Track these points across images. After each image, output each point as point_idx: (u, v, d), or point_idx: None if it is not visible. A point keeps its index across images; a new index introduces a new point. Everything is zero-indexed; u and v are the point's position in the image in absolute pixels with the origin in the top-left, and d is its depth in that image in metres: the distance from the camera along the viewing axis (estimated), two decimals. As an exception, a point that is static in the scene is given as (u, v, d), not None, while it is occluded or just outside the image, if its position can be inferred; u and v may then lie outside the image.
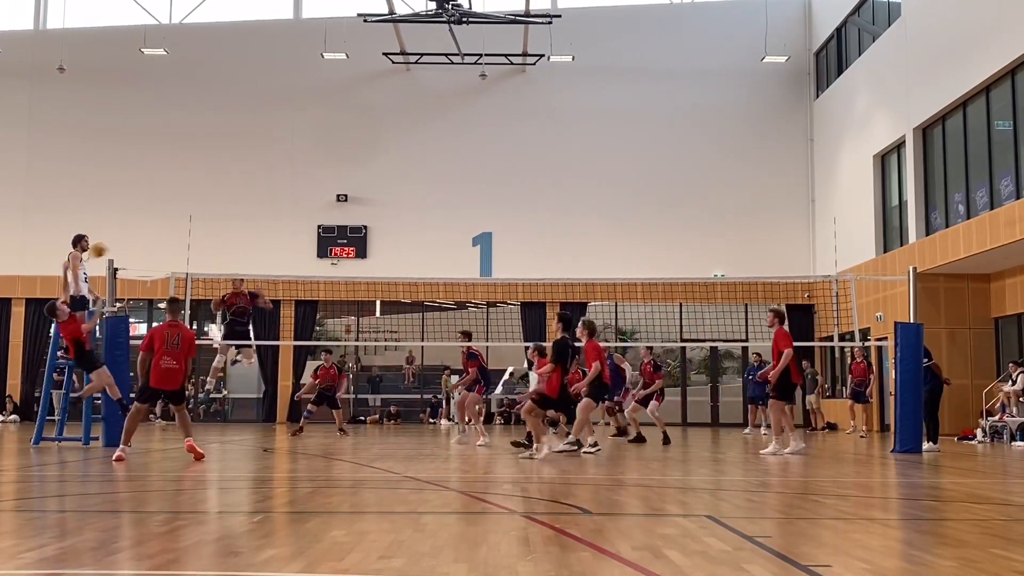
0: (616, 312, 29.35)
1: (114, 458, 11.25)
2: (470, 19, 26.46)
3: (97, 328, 15.21)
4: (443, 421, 27.53)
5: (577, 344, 13.95)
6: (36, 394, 26.72)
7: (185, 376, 12.06)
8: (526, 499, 7.71)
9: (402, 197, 29.51)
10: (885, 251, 24.76)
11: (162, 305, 29.51)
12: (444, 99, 30.18)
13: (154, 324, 30.75)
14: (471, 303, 30.34)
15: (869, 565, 4.79)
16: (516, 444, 14.34)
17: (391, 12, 27.37)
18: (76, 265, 14.60)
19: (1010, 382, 19.01)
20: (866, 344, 21.83)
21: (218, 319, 17.99)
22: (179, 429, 12.17)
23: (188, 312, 18.37)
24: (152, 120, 29.88)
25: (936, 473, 11.14)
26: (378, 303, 31.23)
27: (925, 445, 15.05)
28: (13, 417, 27.25)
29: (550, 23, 27.39)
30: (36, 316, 28.69)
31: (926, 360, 15.29)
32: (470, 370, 16.68)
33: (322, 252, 29.38)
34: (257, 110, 30.07)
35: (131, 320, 19.56)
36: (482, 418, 17.56)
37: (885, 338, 21.34)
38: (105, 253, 15.09)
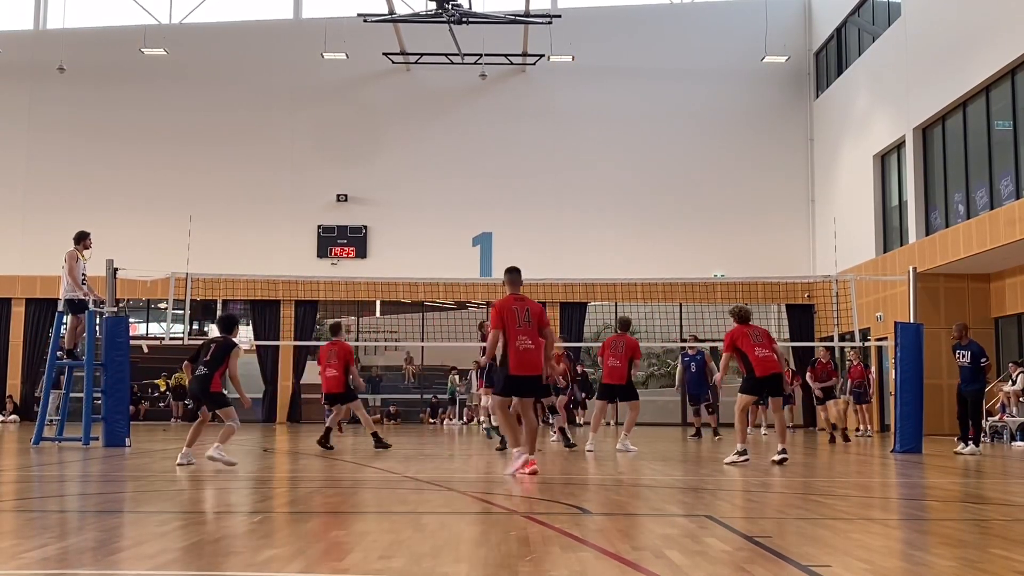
0: (616, 312, 29.30)
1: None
2: (470, 19, 26.46)
3: (97, 328, 15.22)
4: (449, 421, 27.53)
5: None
6: (36, 394, 26.73)
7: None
8: (526, 499, 7.70)
9: (402, 197, 29.51)
10: (885, 251, 24.76)
11: (162, 305, 29.54)
12: (444, 99, 30.18)
13: (151, 324, 30.80)
14: (471, 303, 30.34)
15: (869, 565, 4.79)
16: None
17: (391, 12, 27.37)
18: (73, 266, 14.50)
19: (1010, 382, 19.01)
20: (866, 344, 21.82)
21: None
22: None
23: (188, 312, 18.40)
24: (152, 120, 29.89)
25: (936, 473, 11.14)
26: (378, 303, 31.25)
27: (968, 447, 14.54)
28: (13, 417, 27.26)
29: (550, 23, 27.39)
30: (36, 316, 28.72)
31: (983, 360, 14.89)
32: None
33: (322, 252, 29.39)
34: (257, 110, 30.07)
35: (131, 320, 19.55)
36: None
37: (885, 338, 21.36)
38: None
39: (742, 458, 11.30)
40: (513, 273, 10.11)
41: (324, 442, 14.09)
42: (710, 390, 18.92)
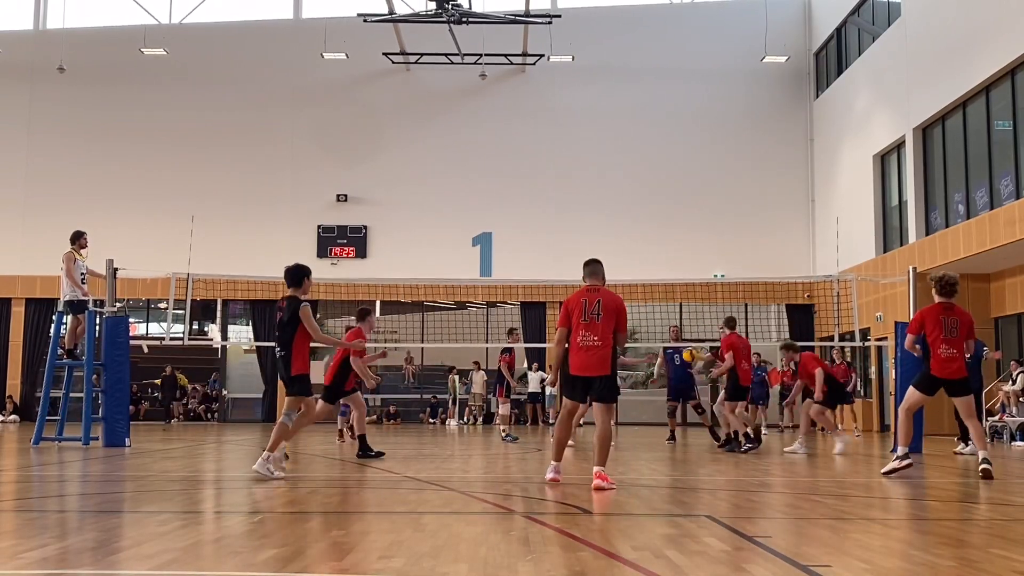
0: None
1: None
2: (470, 19, 26.46)
3: (97, 328, 15.23)
4: (452, 422, 27.53)
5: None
6: (36, 394, 26.73)
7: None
8: (526, 499, 7.70)
9: (402, 197, 29.52)
10: (885, 251, 24.76)
11: (162, 305, 29.53)
12: (444, 99, 30.19)
13: (151, 324, 30.79)
14: (471, 303, 30.34)
15: (869, 565, 4.79)
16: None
17: (391, 12, 27.37)
18: (70, 267, 14.47)
19: (1010, 382, 19.01)
20: (866, 344, 21.82)
21: None
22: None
23: (188, 312, 18.39)
24: (152, 120, 29.89)
25: (936, 473, 11.14)
26: (378, 303, 31.22)
27: (968, 447, 14.28)
28: (13, 417, 27.26)
29: (550, 23, 27.40)
30: (36, 316, 28.73)
31: (985, 351, 14.92)
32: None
33: (322, 252, 29.39)
34: (257, 110, 30.08)
35: (131, 320, 19.55)
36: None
37: (885, 338, 21.34)
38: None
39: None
40: (588, 264, 8.86)
41: (366, 450, 12.47)
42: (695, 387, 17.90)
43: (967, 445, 14.58)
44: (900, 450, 10.10)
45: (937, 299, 10.24)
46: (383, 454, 12.49)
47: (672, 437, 17.44)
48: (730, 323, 14.97)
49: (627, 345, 15.67)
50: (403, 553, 4.97)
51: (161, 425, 26.20)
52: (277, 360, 9.51)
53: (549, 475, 8.71)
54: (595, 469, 8.32)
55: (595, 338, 8.38)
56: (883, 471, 10.15)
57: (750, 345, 15.60)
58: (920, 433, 15.13)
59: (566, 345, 8.62)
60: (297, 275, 9.52)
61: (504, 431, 17.59)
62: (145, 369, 29.42)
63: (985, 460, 9.71)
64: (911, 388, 10.43)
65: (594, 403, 8.49)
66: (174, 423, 27.76)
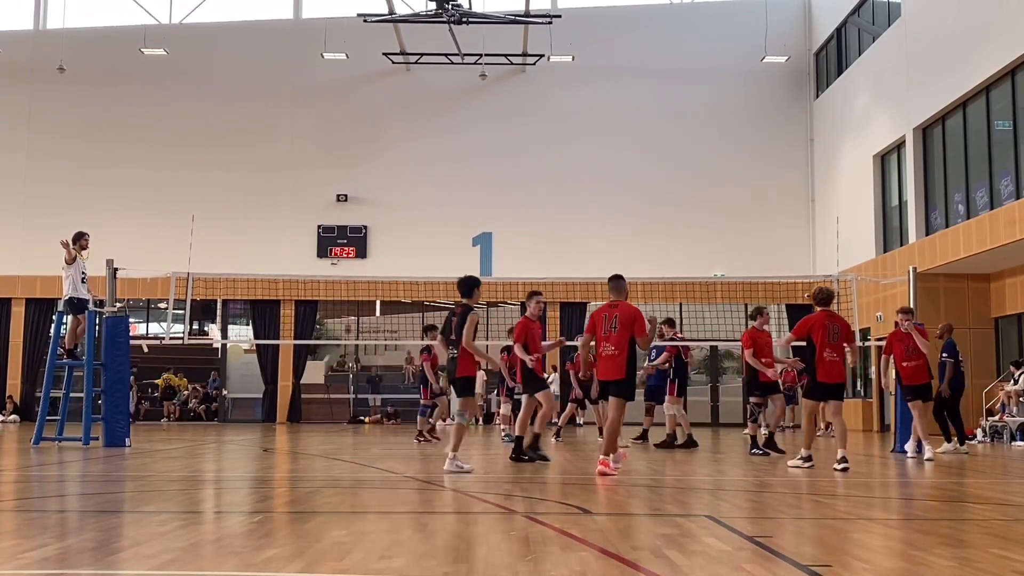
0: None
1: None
2: (470, 19, 26.45)
3: (97, 328, 15.23)
4: (450, 421, 27.53)
5: None
6: (36, 394, 26.73)
7: None
8: (526, 499, 7.70)
9: (402, 197, 29.52)
10: (885, 251, 24.76)
11: (162, 305, 29.53)
12: (444, 99, 30.18)
13: (151, 324, 30.80)
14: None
15: (869, 565, 4.79)
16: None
17: (391, 12, 27.37)
18: (69, 252, 14.44)
19: (1011, 381, 19.01)
20: (866, 344, 21.81)
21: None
22: None
23: (188, 312, 18.40)
24: (152, 120, 29.89)
25: (936, 473, 11.14)
26: (378, 303, 31.24)
27: (951, 445, 14.51)
28: (13, 417, 27.26)
29: (550, 23, 27.39)
30: (36, 316, 28.73)
31: (953, 358, 14.94)
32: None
33: (322, 252, 29.39)
34: (257, 110, 30.08)
35: (131, 320, 19.56)
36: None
37: (885, 338, 21.31)
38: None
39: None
40: (610, 280, 10.22)
41: (531, 450, 11.61)
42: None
43: (949, 443, 14.69)
44: (804, 452, 11.10)
45: (818, 309, 11.26)
46: (547, 458, 11.63)
47: (643, 437, 16.80)
48: (757, 313, 14.50)
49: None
50: (403, 553, 4.98)
51: (156, 425, 26.23)
52: (448, 361, 10.27)
53: (614, 464, 9.66)
54: (600, 456, 9.59)
55: (612, 347, 9.74)
56: (789, 463, 11.20)
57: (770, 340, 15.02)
58: (961, 431, 15.19)
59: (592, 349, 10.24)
60: (468, 286, 10.33)
61: (504, 431, 17.58)
62: (145, 369, 29.46)
63: (844, 459, 10.67)
64: (804, 399, 11.56)
65: (609, 398, 9.85)
66: (164, 423, 27.90)
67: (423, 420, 17.13)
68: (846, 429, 11.24)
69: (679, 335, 16.69)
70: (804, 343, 11.17)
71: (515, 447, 11.56)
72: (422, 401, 17.47)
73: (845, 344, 11.10)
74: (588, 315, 10.15)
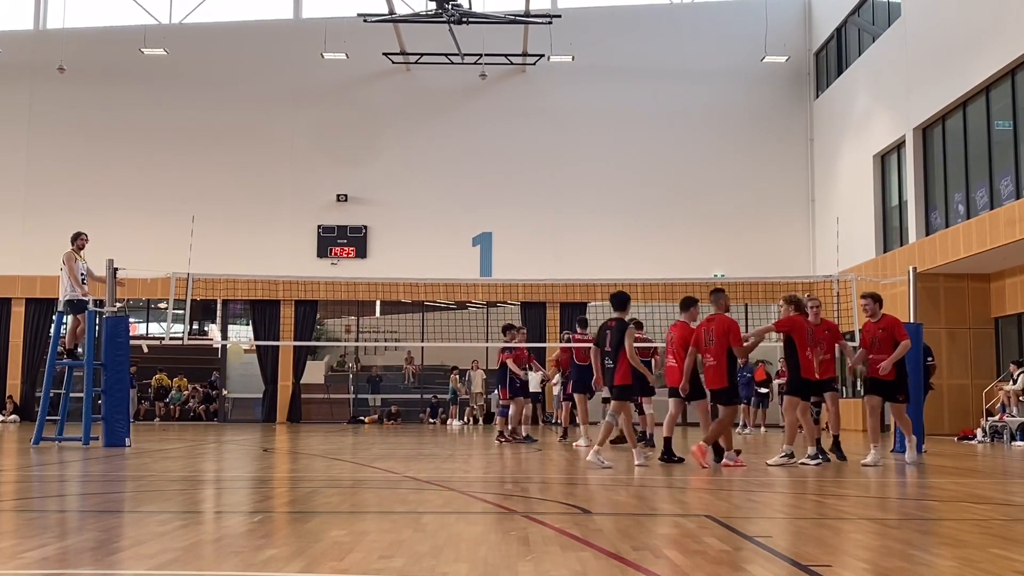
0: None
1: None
2: (470, 19, 26.45)
3: (97, 328, 15.23)
4: (454, 422, 27.52)
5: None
6: (36, 394, 26.73)
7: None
8: (526, 499, 7.71)
9: (402, 197, 29.51)
10: (885, 251, 24.76)
11: (162, 305, 29.56)
12: (444, 99, 30.18)
13: (151, 324, 30.80)
14: (471, 303, 30.35)
15: (869, 565, 4.79)
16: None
17: (391, 12, 27.37)
18: (72, 267, 14.48)
19: (1011, 382, 19.01)
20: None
21: None
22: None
23: (188, 312, 18.40)
24: (152, 120, 29.89)
25: (936, 473, 11.14)
26: (378, 303, 31.25)
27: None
28: (13, 417, 27.27)
29: (550, 23, 27.39)
30: (36, 316, 28.74)
31: (930, 359, 14.91)
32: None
33: (322, 252, 29.38)
34: (257, 110, 30.07)
35: (131, 320, 19.56)
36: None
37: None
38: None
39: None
40: (712, 294, 11.49)
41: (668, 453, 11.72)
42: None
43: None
44: (786, 448, 11.47)
45: (681, 316, 12.14)
46: (682, 459, 11.62)
47: (644, 438, 16.90)
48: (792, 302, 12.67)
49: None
50: (403, 553, 4.98)
51: (151, 424, 26.25)
52: (605, 371, 11.14)
53: (730, 462, 11.03)
54: (699, 442, 10.98)
55: (711, 358, 11.10)
56: (799, 461, 11.31)
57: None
58: (922, 432, 15.11)
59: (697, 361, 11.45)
60: (622, 300, 11.12)
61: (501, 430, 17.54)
62: (144, 370, 29.47)
63: (790, 455, 11.34)
64: (787, 396, 11.77)
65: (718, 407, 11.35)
66: (156, 422, 28.03)
67: (502, 421, 17.06)
68: (815, 428, 11.91)
69: (644, 336, 16.67)
70: (781, 340, 11.73)
71: (664, 449, 11.73)
72: (501, 401, 17.50)
73: (837, 344, 11.61)
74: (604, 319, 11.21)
